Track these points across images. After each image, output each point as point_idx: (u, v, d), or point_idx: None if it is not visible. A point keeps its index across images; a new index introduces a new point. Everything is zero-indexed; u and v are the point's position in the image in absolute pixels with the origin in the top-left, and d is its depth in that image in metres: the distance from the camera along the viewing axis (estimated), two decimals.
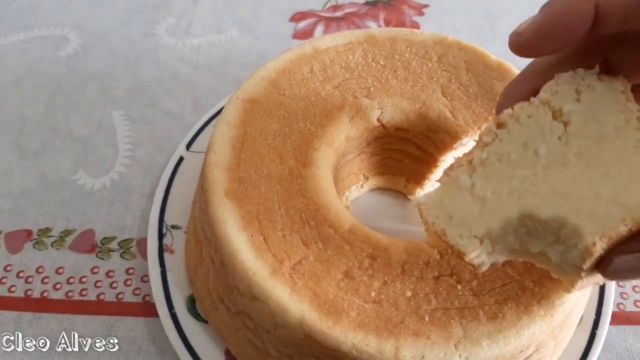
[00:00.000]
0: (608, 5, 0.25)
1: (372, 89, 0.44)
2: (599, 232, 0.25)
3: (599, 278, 0.27)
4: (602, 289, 0.43)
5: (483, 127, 0.30)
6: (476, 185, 0.29)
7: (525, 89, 0.30)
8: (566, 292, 0.27)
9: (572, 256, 0.26)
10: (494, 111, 0.42)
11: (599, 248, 0.25)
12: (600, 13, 0.25)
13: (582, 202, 0.26)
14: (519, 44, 0.27)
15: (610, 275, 0.26)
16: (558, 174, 0.27)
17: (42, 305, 0.45)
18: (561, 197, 0.26)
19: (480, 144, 0.29)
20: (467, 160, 0.30)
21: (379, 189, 0.51)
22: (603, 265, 0.26)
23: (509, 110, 0.29)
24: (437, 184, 0.31)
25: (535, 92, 0.29)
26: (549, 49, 0.27)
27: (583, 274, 0.26)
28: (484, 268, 0.29)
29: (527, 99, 0.29)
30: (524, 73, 0.31)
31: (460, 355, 0.31)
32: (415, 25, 0.71)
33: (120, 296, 0.46)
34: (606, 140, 0.26)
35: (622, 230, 0.24)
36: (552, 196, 0.26)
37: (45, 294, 0.46)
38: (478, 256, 0.28)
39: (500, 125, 0.29)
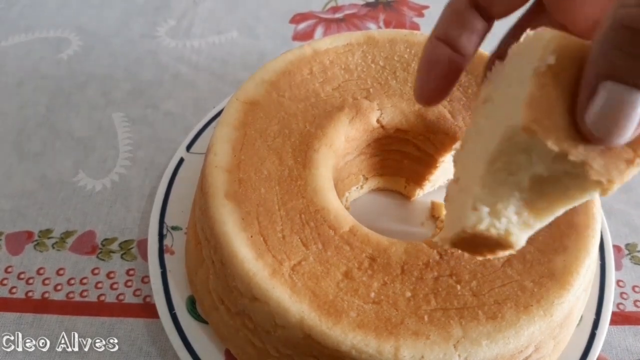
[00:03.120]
0: (443, 35, 0.29)
1: (371, 90, 0.44)
2: (522, 110, 0.22)
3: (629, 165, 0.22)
4: (602, 289, 0.43)
5: (453, 152, 0.31)
6: (460, 178, 0.29)
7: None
8: (602, 194, 0.22)
9: (541, 152, 0.22)
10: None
11: (538, 118, 0.22)
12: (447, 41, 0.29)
13: (508, 115, 0.24)
14: (420, 101, 0.31)
15: (599, 137, 0.21)
16: (490, 122, 0.27)
17: (43, 306, 0.45)
18: (498, 127, 0.24)
19: (455, 160, 0.31)
20: (454, 181, 0.30)
21: (379, 190, 0.52)
22: (581, 130, 0.21)
23: (468, 128, 0.31)
24: (436, 185, 0.31)
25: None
26: (444, 91, 0.30)
27: (572, 157, 0.21)
28: (519, 242, 0.25)
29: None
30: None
31: (459, 355, 0.31)
32: (415, 27, 0.71)
33: (121, 297, 0.46)
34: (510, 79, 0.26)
35: (537, 88, 0.22)
36: (493, 133, 0.25)
37: (46, 295, 0.46)
38: (486, 223, 0.25)
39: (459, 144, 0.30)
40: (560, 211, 0.25)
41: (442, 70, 0.29)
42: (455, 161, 0.31)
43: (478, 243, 0.27)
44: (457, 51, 0.29)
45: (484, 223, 0.25)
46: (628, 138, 0.21)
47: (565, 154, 0.21)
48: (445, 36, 0.29)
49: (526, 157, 0.24)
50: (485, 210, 0.25)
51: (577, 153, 0.21)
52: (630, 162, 0.22)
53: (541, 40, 0.24)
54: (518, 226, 0.26)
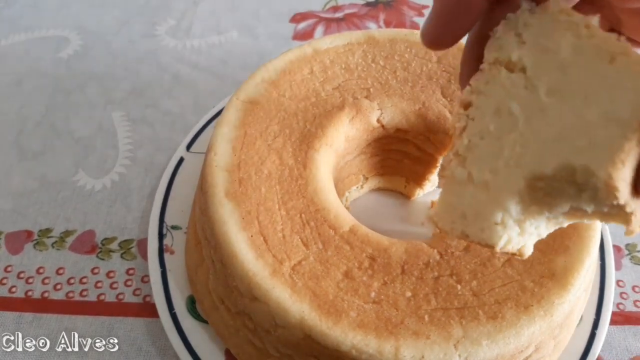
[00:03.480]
0: None
1: (372, 89, 0.44)
2: (608, 160, 0.21)
3: None
4: (602, 289, 0.43)
5: (452, 116, 0.28)
6: (472, 172, 0.27)
7: (473, 59, 0.29)
8: (628, 234, 0.24)
9: (603, 197, 0.22)
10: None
11: (619, 176, 0.21)
12: None
13: (576, 139, 0.23)
14: (428, 41, 0.27)
15: None
16: (541, 122, 0.25)
17: (42, 305, 0.45)
18: (555, 143, 0.24)
19: (458, 133, 0.28)
20: (454, 153, 0.28)
21: (379, 190, 0.52)
22: (638, 185, 0.22)
23: (467, 88, 0.28)
24: (436, 185, 0.29)
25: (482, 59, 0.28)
26: (457, 35, 0.26)
27: (628, 209, 0.22)
28: (528, 251, 0.26)
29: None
30: (467, 46, 0.30)
31: (460, 355, 0.31)
32: (415, 26, 0.71)
33: (121, 297, 0.46)
34: (567, 64, 0.24)
35: (630, 145, 0.21)
36: (546, 147, 0.24)
37: (46, 295, 0.46)
38: (509, 241, 0.26)
39: (466, 106, 0.28)
40: (573, 220, 0.26)
41: (462, 8, 0.25)
42: (459, 132, 0.28)
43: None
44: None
45: (513, 243, 0.26)
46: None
47: (623, 207, 0.22)
48: None
49: (576, 191, 0.23)
50: (513, 228, 0.26)
51: (631, 205, 0.22)
52: None
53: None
54: (533, 239, 0.26)
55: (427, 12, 0.72)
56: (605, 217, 0.24)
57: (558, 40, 0.25)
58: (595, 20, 0.24)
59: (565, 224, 0.26)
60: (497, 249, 0.26)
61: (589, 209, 0.24)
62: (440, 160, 0.45)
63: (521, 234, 0.26)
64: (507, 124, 0.26)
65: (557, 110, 0.24)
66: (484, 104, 0.27)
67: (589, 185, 0.23)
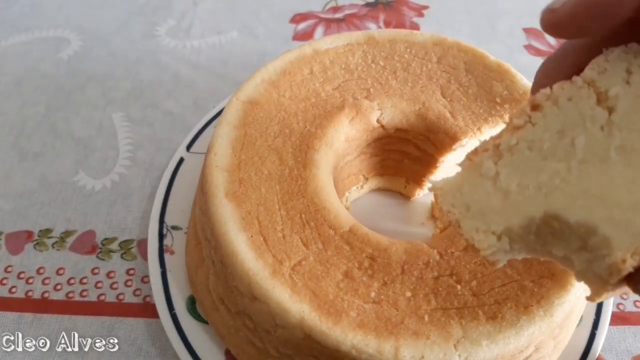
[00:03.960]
0: None
1: (371, 90, 0.44)
2: (631, 247, 0.21)
3: (626, 289, 0.23)
4: None
5: (515, 108, 0.26)
6: (501, 174, 0.25)
7: (567, 65, 0.26)
8: (590, 301, 0.24)
9: (599, 267, 0.22)
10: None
11: (629, 265, 0.21)
12: None
13: (616, 210, 0.22)
14: (553, 21, 0.22)
15: (636, 287, 0.22)
16: (594, 172, 0.23)
17: (42, 306, 0.45)
18: (594, 200, 0.23)
19: (510, 128, 0.26)
20: (494, 145, 0.26)
21: (379, 190, 0.52)
22: (632, 282, 0.22)
23: (546, 90, 0.25)
24: (458, 168, 0.27)
25: (578, 70, 0.25)
26: (589, 30, 0.22)
27: (609, 287, 0.23)
28: (500, 265, 0.26)
29: (569, 77, 0.25)
30: (565, 47, 0.26)
31: (459, 355, 0.31)
32: (415, 27, 0.71)
33: (121, 297, 0.46)
34: None
35: None
36: (584, 197, 0.23)
37: (46, 295, 0.46)
38: (494, 254, 0.25)
39: (535, 108, 0.25)
40: (551, 260, 0.26)
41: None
42: (512, 129, 0.26)
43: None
44: None
45: (495, 256, 0.26)
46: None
47: (606, 284, 0.22)
48: None
49: (579, 247, 0.23)
50: (506, 245, 0.25)
51: (611, 287, 0.23)
52: None
53: None
54: (509, 257, 0.26)
55: (426, 12, 0.72)
56: (581, 278, 0.24)
57: None
58: None
59: (541, 258, 0.26)
60: (480, 254, 0.25)
61: (579, 266, 0.24)
62: (440, 160, 0.45)
63: (507, 253, 0.26)
64: (562, 152, 0.24)
65: (617, 171, 0.23)
66: (553, 117, 0.25)
67: (597, 252, 0.22)
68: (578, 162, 0.24)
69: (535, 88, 0.27)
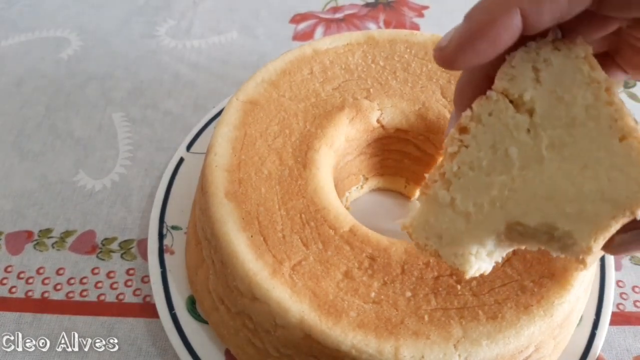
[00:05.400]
0: (535, 13, 0.22)
1: (371, 90, 0.44)
2: (592, 235, 0.23)
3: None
4: (602, 289, 0.43)
5: (447, 137, 0.27)
6: (456, 199, 0.26)
7: (479, 78, 0.27)
8: (578, 271, 0.25)
9: (571, 252, 0.24)
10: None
11: (596, 248, 0.23)
12: (528, 20, 0.22)
13: (567, 204, 0.23)
14: (443, 58, 0.24)
15: (612, 251, 0.25)
16: (535, 174, 0.24)
17: (42, 306, 0.45)
18: (544, 200, 0.24)
19: (448, 155, 0.27)
20: (440, 174, 0.27)
21: (379, 190, 0.52)
22: (605, 245, 0.24)
23: (467, 113, 0.26)
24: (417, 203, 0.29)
25: (491, 81, 0.26)
26: (475, 61, 0.24)
27: (587, 262, 0.24)
28: (488, 272, 0.27)
29: (484, 92, 0.26)
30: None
31: (459, 355, 0.31)
32: (415, 27, 0.71)
33: (121, 297, 0.46)
34: (577, 123, 0.23)
35: (615, 227, 0.22)
36: (535, 201, 0.24)
37: (46, 295, 0.46)
38: (479, 269, 0.27)
39: (463, 131, 0.26)
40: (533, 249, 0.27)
41: (496, 46, 0.23)
42: (449, 156, 0.27)
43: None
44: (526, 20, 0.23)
45: (481, 270, 0.27)
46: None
47: (584, 260, 0.24)
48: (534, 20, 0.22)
49: (549, 239, 0.25)
50: (487, 261, 0.27)
51: (590, 260, 0.24)
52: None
53: None
54: (493, 262, 0.27)
55: (426, 12, 0.72)
56: (561, 255, 0.25)
57: (575, 93, 0.23)
58: (618, 86, 0.23)
59: (510, 247, 0.27)
60: (467, 276, 0.27)
61: (555, 252, 0.25)
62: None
63: (490, 262, 0.27)
64: (501, 165, 0.25)
65: (554, 168, 0.24)
66: (481, 136, 0.26)
67: (564, 242, 0.24)
68: (518, 170, 0.25)
69: (457, 109, 0.28)
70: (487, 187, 0.25)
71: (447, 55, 0.24)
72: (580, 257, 0.24)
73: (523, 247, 0.27)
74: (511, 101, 0.25)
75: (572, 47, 0.24)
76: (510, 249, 0.27)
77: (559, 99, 0.24)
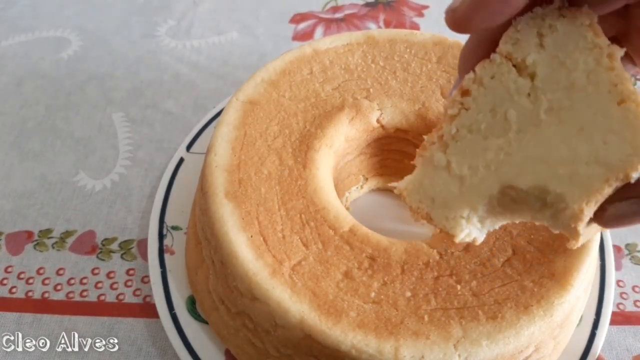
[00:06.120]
0: None
1: (371, 90, 0.44)
2: (583, 197, 0.23)
3: (598, 227, 0.25)
4: (602, 289, 0.43)
5: (448, 99, 0.27)
6: (452, 162, 0.27)
7: (485, 44, 0.27)
8: (570, 247, 0.25)
9: (564, 219, 0.24)
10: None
11: (587, 213, 0.23)
12: None
13: (560, 166, 0.23)
14: (455, 20, 0.24)
15: (606, 223, 0.24)
16: (532, 137, 0.25)
17: (42, 306, 0.45)
18: (538, 163, 0.24)
19: (447, 118, 0.27)
20: (438, 137, 0.27)
21: (379, 190, 0.52)
22: (598, 216, 0.24)
23: (470, 75, 0.26)
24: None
25: (495, 45, 0.26)
26: (488, 22, 0.24)
27: (580, 231, 0.23)
28: (479, 242, 0.28)
29: (488, 55, 0.26)
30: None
31: (459, 355, 0.31)
32: (415, 27, 0.71)
33: (121, 297, 0.46)
34: (577, 88, 0.23)
35: (608, 190, 0.22)
36: (529, 163, 0.24)
37: (46, 295, 0.46)
38: (469, 234, 0.27)
39: (464, 93, 0.26)
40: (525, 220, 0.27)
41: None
42: (449, 118, 0.27)
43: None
44: None
45: (471, 235, 0.27)
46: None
47: (576, 229, 0.23)
48: None
49: (541, 205, 0.25)
50: (476, 224, 0.27)
51: (582, 230, 0.23)
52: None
53: None
54: (487, 231, 0.28)
55: (426, 12, 0.72)
56: (555, 229, 0.25)
57: (577, 59, 0.24)
58: (620, 52, 0.23)
59: (515, 222, 0.28)
60: (456, 240, 0.27)
61: (547, 223, 0.25)
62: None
63: (481, 229, 0.27)
64: (499, 128, 0.26)
65: (551, 131, 0.24)
66: (482, 99, 0.26)
67: (556, 206, 0.24)
68: (515, 133, 0.25)
69: (461, 73, 0.28)
70: (484, 150, 0.26)
71: (459, 16, 0.24)
72: (572, 225, 0.23)
73: (517, 221, 0.27)
74: (514, 65, 0.25)
75: (578, 15, 0.24)
76: (504, 221, 0.27)
77: (561, 64, 0.24)
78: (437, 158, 0.27)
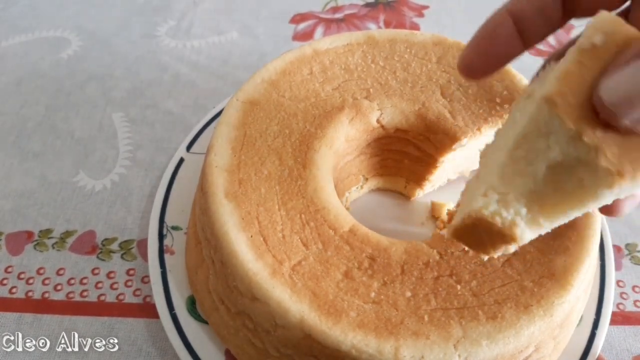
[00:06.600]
0: (519, 11, 0.26)
1: (371, 90, 0.44)
2: (549, 85, 0.22)
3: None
4: (602, 289, 0.43)
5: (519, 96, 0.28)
6: (481, 172, 0.28)
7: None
8: (609, 187, 0.22)
9: (564, 137, 0.22)
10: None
11: (566, 100, 0.21)
12: (517, 19, 0.26)
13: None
14: (463, 71, 0.27)
15: (607, 107, 0.20)
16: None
17: (42, 306, 0.45)
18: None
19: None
20: (475, 175, 0.30)
21: (379, 190, 0.52)
22: (595, 98, 0.21)
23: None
24: (436, 185, 0.30)
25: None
26: (493, 66, 0.27)
27: (591, 140, 0.21)
28: (521, 235, 0.25)
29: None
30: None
31: (459, 355, 0.31)
32: (415, 27, 0.71)
33: (121, 297, 0.46)
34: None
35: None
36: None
37: (46, 295, 0.46)
38: (496, 212, 0.25)
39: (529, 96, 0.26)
40: (570, 213, 0.25)
41: (498, 47, 0.27)
42: (482, 156, 0.30)
43: (481, 233, 0.26)
44: (521, 34, 0.27)
45: (490, 208, 0.25)
46: (634, 118, 0.20)
47: (580, 135, 0.21)
48: (519, 14, 0.26)
49: (545, 142, 0.23)
50: (494, 197, 0.25)
51: (592, 135, 0.21)
52: None
53: (595, 19, 0.22)
54: (525, 220, 0.25)
55: (426, 12, 0.72)
56: (579, 174, 0.23)
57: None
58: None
59: (553, 201, 0.25)
60: (474, 214, 0.25)
61: (558, 155, 0.23)
62: (440, 161, 0.45)
63: (503, 205, 0.25)
64: (509, 132, 0.27)
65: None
66: (503, 130, 0.28)
67: (551, 126, 0.22)
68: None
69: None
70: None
71: (466, 67, 0.28)
72: (570, 133, 0.21)
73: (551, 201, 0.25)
74: None
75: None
76: (525, 194, 0.25)
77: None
78: (470, 183, 0.30)
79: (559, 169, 0.23)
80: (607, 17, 0.22)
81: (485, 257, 0.29)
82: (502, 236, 0.26)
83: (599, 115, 0.21)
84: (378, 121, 0.44)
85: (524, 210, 0.25)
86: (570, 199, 0.24)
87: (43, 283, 0.47)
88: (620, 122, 0.20)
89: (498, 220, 0.25)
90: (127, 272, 0.47)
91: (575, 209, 0.24)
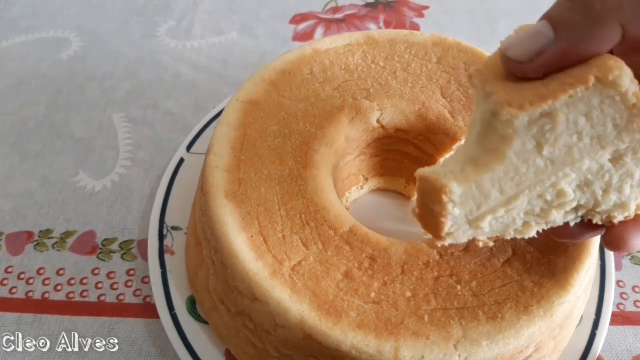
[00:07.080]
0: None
1: (371, 90, 0.44)
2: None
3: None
4: (602, 289, 0.43)
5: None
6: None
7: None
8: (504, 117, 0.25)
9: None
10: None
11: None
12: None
13: None
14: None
15: (507, 56, 0.25)
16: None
17: (43, 306, 0.45)
18: None
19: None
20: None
21: (379, 190, 0.52)
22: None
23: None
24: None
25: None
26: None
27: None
28: (451, 189, 0.26)
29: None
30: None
31: (459, 355, 0.31)
32: (415, 27, 0.71)
33: (121, 297, 0.46)
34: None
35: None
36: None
37: (46, 295, 0.46)
38: (431, 171, 0.27)
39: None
40: (495, 167, 0.27)
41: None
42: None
43: (427, 203, 0.28)
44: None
45: (432, 169, 0.28)
46: (523, 56, 0.24)
47: (484, 88, 0.26)
48: None
49: (477, 111, 0.27)
50: (441, 164, 0.28)
51: (492, 85, 0.26)
52: (541, 96, 0.24)
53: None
54: (455, 176, 0.27)
55: (426, 12, 0.72)
56: (497, 122, 0.25)
57: None
58: None
59: (483, 160, 0.27)
60: (424, 173, 0.27)
61: (479, 112, 0.27)
62: (440, 161, 0.45)
63: (443, 168, 0.27)
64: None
65: None
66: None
67: (477, 97, 0.26)
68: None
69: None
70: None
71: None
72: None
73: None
74: None
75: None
76: (479, 156, 0.27)
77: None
78: None
79: (485, 130, 0.27)
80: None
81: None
82: (436, 193, 0.27)
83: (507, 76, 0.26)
84: (378, 121, 0.44)
85: (457, 168, 0.28)
86: (494, 154, 0.27)
87: (43, 283, 0.47)
88: (519, 68, 0.25)
89: (433, 176, 0.27)
90: (127, 272, 0.47)
91: (497, 163, 0.27)
